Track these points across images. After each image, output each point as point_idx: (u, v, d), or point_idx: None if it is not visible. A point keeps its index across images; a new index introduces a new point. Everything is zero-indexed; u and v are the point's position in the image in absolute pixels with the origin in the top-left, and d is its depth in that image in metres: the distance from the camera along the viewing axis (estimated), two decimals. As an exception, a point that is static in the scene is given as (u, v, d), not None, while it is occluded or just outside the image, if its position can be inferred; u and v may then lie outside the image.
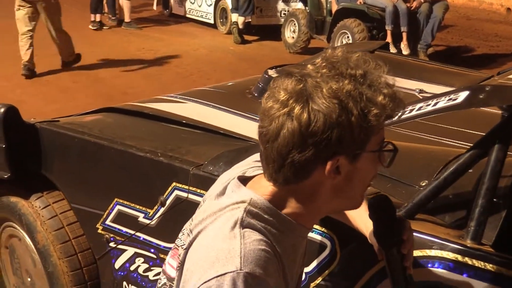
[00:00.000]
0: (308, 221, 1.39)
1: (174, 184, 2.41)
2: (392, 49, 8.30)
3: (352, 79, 1.24)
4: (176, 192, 2.41)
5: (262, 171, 1.38)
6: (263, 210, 1.31)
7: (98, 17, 11.89)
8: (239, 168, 1.51)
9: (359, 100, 1.23)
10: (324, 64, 1.28)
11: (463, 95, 1.90)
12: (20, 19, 8.10)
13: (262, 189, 1.34)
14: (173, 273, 1.48)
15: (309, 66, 1.31)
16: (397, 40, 8.95)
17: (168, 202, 2.43)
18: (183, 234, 1.46)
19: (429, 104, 2.01)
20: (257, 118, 3.00)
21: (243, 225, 1.27)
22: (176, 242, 1.50)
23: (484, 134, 1.94)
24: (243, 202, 1.31)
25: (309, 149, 1.23)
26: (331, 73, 1.25)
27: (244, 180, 1.41)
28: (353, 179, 1.30)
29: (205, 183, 2.31)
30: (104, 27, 11.86)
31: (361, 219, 1.67)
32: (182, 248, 1.41)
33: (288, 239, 1.34)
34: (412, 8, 8.98)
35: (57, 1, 8.37)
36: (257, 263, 1.23)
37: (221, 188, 1.43)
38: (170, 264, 1.51)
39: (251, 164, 1.50)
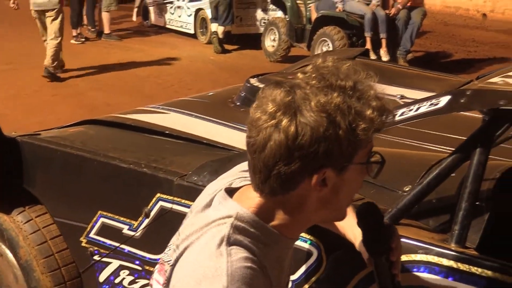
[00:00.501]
0: (294, 232, 1.38)
1: (158, 195, 2.40)
2: (372, 56, 8.35)
3: (341, 91, 1.24)
4: (161, 203, 2.40)
5: (249, 182, 1.38)
6: (249, 224, 1.30)
7: (79, 30, 11.84)
8: (225, 179, 1.50)
9: (348, 114, 1.22)
10: (314, 74, 1.27)
11: (444, 100, 1.92)
12: (39, 27, 8.70)
13: (249, 201, 1.33)
14: None
15: (299, 74, 1.30)
16: (376, 47, 9.01)
17: (152, 213, 2.42)
18: (170, 249, 1.44)
19: (411, 110, 2.02)
20: (240, 127, 3.03)
21: (230, 242, 1.26)
22: (162, 257, 1.49)
23: (465, 138, 1.96)
24: (229, 216, 1.30)
25: (295, 162, 1.23)
26: (320, 85, 1.25)
27: (230, 191, 1.40)
28: (339, 191, 1.30)
29: (190, 193, 2.31)
30: (85, 41, 11.81)
31: (349, 226, 1.67)
32: (168, 264, 1.40)
33: (274, 252, 1.34)
34: (391, 15, 9.06)
35: (62, 10, 8.68)
36: (243, 281, 1.22)
37: (208, 200, 1.42)
38: (157, 280, 1.50)
39: (238, 174, 1.49)
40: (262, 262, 1.29)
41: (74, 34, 11.70)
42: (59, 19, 8.63)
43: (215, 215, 1.34)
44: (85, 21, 12.37)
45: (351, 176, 1.29)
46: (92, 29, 12.42)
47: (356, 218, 1.50)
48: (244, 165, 1.50)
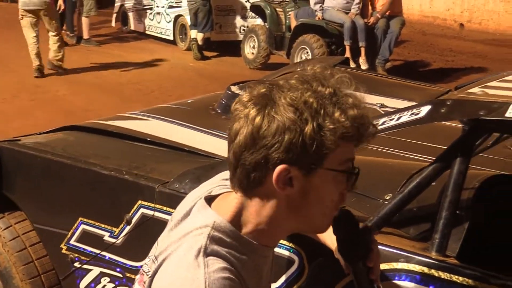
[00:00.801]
0: (270, 239, 1.39)
1: (139, 202, 2.40)
2: (352, 64, 8.41)
3: (317, 94, 1.26)
4: (142, 210, 2.39)
5: (228, 190, 1.40)
6: (225, 233, 1.31)
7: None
8: (206, 187, 1.51)
9: (316, 113, 1.24)
10: (296, 76, 1.31)
11: (425, 110, 1.94)
12: (26, 27, 9.14)
13: (226, 205, 1.35)
14: None
15: (286, 78, 1.32)
16: (355, 55, 9.07)
17: (134, 220, 2.42)
18: (149, 260, 1.45)
19: (392, 119, 2.04)
20: (221, 135, 3.04)
21: (207, 252, 1.27)
22: (142, 267, 1.49)
23: (445, 147, 1.98)
24: (206, 226, 1.31)
25: (258, 152, 1.25)
26: (299, 85, 1.28)
27: (210, 199, 1.41)
28: (308, 195, 1.30)
29: (171, 200, 2.31)
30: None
31: (327, 234, 1.68)
32: (147, 275, 1.40)
33: (251, 261, 1.35)
34: (370, 24, 9.13)
35: (54, 7, 9.60)
36: None
37: (187, 209, 1.43)
38: None
39: (218, 182, 1.50)
40: (240, 272, 1.30)
41: None
42: (55, 16, 9.46)
43: (193, 225, 1.34)
44: (64, 26, 12.29)
45: (320, 182, 1.29)
46: (71, 34, 12.36)
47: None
48: (226, 174, 1.51)
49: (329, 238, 1.70)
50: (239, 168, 1.28)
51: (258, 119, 1.24)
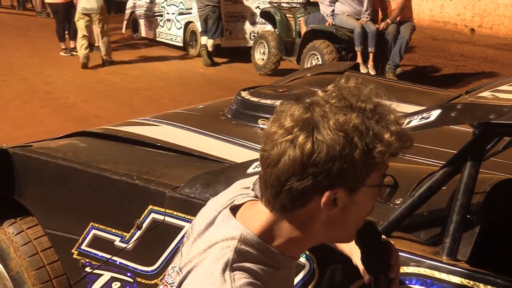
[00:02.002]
0: (297, 251, 1.38)
1: (150, 207, 2.41)
2: (363, 69, 8.40)
3: (360, 112, 1.23)
4: (153, 215, 2.40)
5: (251, 198, 1.38)
6: (253, 246, 1.30)
7: (67, 44, 11.89)
8: (227, 195, 1.48)
9: (365, 135, 1.21)
10: (334, 94, 1.27)
11: (435, 114, 1.94)
12: (80, 27, 10.86)
13: (256, 217, 1.32)
14: None
15: (319, 92, 1.29)
16: (366, 61, 9.06)
17: (144, 225, 2.42)
18: (173, 271, 1.43)
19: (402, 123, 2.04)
20: (231, 140, 3.04)
21: (233, 267, 1.25)
22: (166, 278, 1.48)
23: (454, 151, 1.98)
24: (233, 239, 1.29)
25: (308, 178, 1.21)
26: (340, 104, 1.24)
27: (234, 209, 1.40)
28: (349, 212, 1.28)
29: (182, 205, 2.32)
30: (74, 53, 11.83)
31: None
32: (171, 286, 1.39)
33: (278, 273, 1.33)
34: (380, 29, 9.12)
35: (106, 12, 11.23)
36: None
37: (211, 218, 1.41)
38: None
39: (239, 191, 1.48)
40: (266, 285, 1.28)
41: (63, 47, 11.73)
42: (107, 19, 11.14)
43: (218, 236, 1.32)
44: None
45: (362, 198, 1.27)
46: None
47: None
48: (244, 182, 1.51)
49: (346, 245, 1.69)
50: (283, 194, 1.24)
51: (308, 146, 1.20)
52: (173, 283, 1.38)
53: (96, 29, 11.14)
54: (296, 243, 1.33)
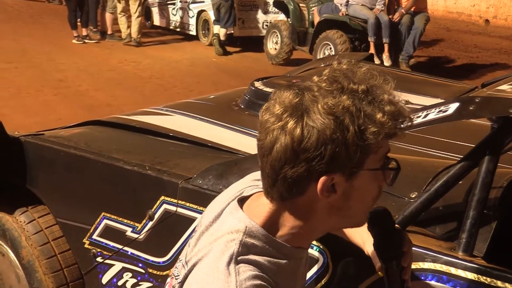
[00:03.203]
0: (304, 241, 1.36)
1: (162, 197, 2.39)
2: (376, 60, 8.35)
3: (351, 94, 1.20)
4: (165, 206, 2.38)
5: (260, 190, 1.36)
6: (258, 238, 1.28)
7: (79, 31, 11.90)
8: (237, 187, 1.47)
9: (356, 117, 1.19)
10: (326, 77, 1.24)
11: (453, 107, 1.90)
12: (120, 8, 11.73)
13: (259, 208, 1.31)
14: None
15: (314, 77, 1.27)
16: (379, 51, 9.00)
17: (156, 216, 2.41)
18: (180, 264, 1.42)
19: (419, 116, 2.01)
20: (244, 131, 3.02)
21: (238, 260, 1.24)
22: (173, 271, 1.46)
23: (471, 145, 1.94)
24: (238, 231, 1.28)
25: (301, 165, 1.19)
26: (331, 88, 1.21)
27: (242, 200, 1.38)
28: (351, 198, 1.26)
29: (194, 196, 2.30)
30: (87, 40, 11.83)
31: (357, 231, 1.65)
32: (176, 279, 1.38)
33: (286, 264, 1.31)
34: (394, 20, 9.05)
35: None
36: None
37: (219, 210, 1.40)
38: None
39: (250, 183, 1.46)
40: (273, 278, 1.26)
41: (75, 34, 11.74)
42: (140, 1, 11.67)
43: (224, 228, 1.31)
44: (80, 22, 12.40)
45: (362, 183, 1.25)
46: (94, 29, 12.42)
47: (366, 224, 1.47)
48: (257, 174, 1.49)
49: (359, 236, 1.67)
50: (279, 182, 1.23)
51: (297, 132, 1.18)
52: (178, 275, 1.37)
53: (132, 7, 11.60)
54: (301, 233, 1.31)
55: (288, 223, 1.30)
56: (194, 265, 1.30)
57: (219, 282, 1.21)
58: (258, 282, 1.22)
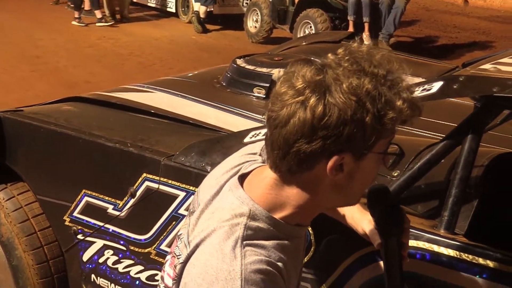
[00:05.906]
0: (306, 218, 1.36)
1: (144, 175, 2.38)
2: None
3: (373, 77, 1.20)
4: (147, 183, 2.37)
5: (259, 164, 1.35)
6: (263, 221, 1.28)
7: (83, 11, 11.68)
8: (233, 162, 1.45)
9: (377, 101, 1.19)
10: (347, 57, 1.24)
11: (437, 86, 1.91)
12: None
13: (264, 181, 1.30)
14: (169, 282, 1.44)
15: (329, 55, 1.27)
16: (359, 30, 9.00)
17: (138, 193, 2.40)
18: (181, 242, 1.40)
19: (403, 95, 2.01)
20: (226, 108, 3.00)
21: (244, 244, 1.24)
22: (174, 250, 1.45)
23: (452, 124, 1.95)
24: (242, 215, 1.27)
25: (317, 141, 1.19)
26: (353, 68, 1.21)
27: (242, 177, 1.37)
28: (354, 178, 1.27)
29: (177, 173, 2.29)
30: (101, 23, 11.47)
31: (347, 211, 1.66)
32: (178, 259, 1.37)
33: (290, 245, 1.31)
34: (374, -1, 9.05)
35: None
36: (258, 285, 1.20)
37: (218, 187, 1.38)
38: (168, 273, 1.46)
39: (246, 157, 1.45)
40: (279, 260, 1.26)
41: (76, 16, 11.45)
42: None
43: (226, 207, 1.30)
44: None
45: (367, 164, 1.26)
46: (72, 5, 12.20)
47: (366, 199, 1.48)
48: (252, 147, 1.48)
49: (349, 216, 1.66)
50: (290, 155, 1.22)
51: (319, 108, 1.17)
52: (180, 255, 1.36)
53: None
54: (303, 209, 1.30)
55: (291, 199, 1.29)
56: (197, 246, 1.28)
57: (223, 265, 1.20)
58: (263, 266, 1.22)
